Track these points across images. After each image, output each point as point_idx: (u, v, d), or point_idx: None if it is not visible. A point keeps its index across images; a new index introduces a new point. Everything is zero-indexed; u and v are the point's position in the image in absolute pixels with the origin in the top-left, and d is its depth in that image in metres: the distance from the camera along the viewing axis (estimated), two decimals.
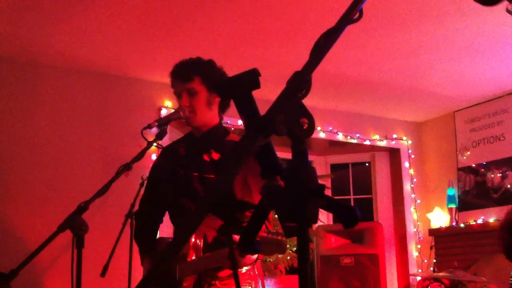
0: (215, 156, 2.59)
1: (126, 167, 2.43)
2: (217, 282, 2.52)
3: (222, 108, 2.77)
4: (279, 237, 2.16)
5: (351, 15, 1.01)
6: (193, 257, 2.48)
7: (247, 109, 0.99)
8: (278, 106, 0.92)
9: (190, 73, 2.65)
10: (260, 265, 2.69)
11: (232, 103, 2.61)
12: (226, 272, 2.48)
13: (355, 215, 0.96)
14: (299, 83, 0.94)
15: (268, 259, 5.13)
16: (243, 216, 2.45)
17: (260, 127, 0.92)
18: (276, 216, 0.94)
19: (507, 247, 1.35)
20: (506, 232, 1.36)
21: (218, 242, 2.43)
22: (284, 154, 1.99)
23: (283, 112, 0.91)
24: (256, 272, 2.63)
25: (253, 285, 2.58)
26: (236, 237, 2.17)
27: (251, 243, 1.04)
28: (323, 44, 0.99)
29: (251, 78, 1.00)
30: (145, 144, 2.49)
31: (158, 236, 2.93)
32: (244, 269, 2.56)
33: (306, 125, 0.92)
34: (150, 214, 2.88)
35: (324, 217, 6.42)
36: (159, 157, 2.93)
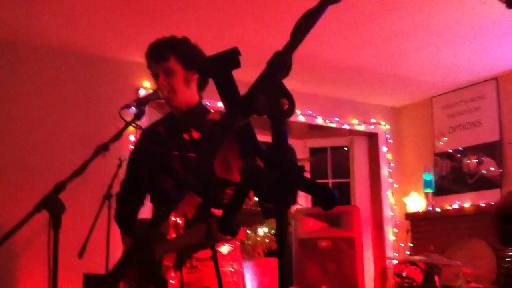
0: (196, 135, 2.57)
1: (104, 148, 2.40)
2: (198, 263, 2.51)
3: (201, 86, 2.74)
4: (259, 208, 2.15)
5: None
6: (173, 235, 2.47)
7: (227, 88, 0.98)
8: (258, 86, 0.92)
9: (165, 53, 2.61)
10: (239, 247, 2.69)
11: (211, 82, 2.60)
12: (207, 253, 2.47)
13: (333, 198, 0.96)
14: (280, 63, 0.93)
15: (246, 242, 5.15)
16: (224, 193, 2.45)
17: (240, 107, 0.91)
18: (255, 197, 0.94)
19: (499, 233, 1.37)
20: (498, 219, 1.37)
21: (198, 219, 2.41)
22: (264, 137, 1.98)
23: (263, 92, 0.91)
24: (238, 254, 2.63)
25: (235, 266, 2.58)
26: (216, 212, 2.17)
27: (231, 224, 1.04)
28: (304, 25, 0.98)
29: (232, 57, 1.00)
30: (123, 125, 2.47)
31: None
32: (225, 250, 2.56)
33: (287, 106, 0.92)
34: (130, 195, 2.85)
35: (303, 201, 6.45)
36: (139, 138, 2.89)
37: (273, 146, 0.90)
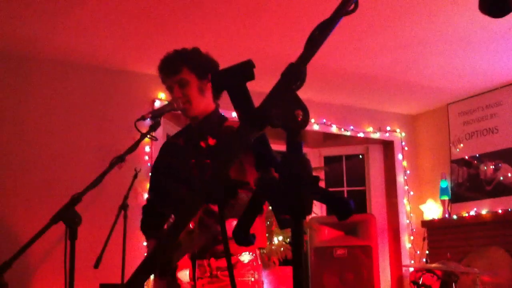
0: (211, 142, 2.59)
1: (120, 159, 2.43)
2: (218, 273, 2.51)
3: (216, 94, 2.77)
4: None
5: (346, 6, 1.01)
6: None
7: (242, 100, 0.98)
8: (272, 98, 0.92)
9: (177, 65, 2.64)
10: (259, 256, 2.68)
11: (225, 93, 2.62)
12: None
13: (349, 207, 0.96)
14: (294, 74, 0.94)
15: (262, 251, 5.14)
16: (236, 193, 2.43)
17: (254, 119, 0.91)
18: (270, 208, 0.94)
19: None
20: None
21: (206, 221, 2.39)
22: (278, 147, 1.99)
23: (277, 104, 0.91)
24: (259, 263, 2.63)
25: (255, 276, 2.58)
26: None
27: (246, 234, 1.04)
28: (318, 36, 0.99)
29: (246, 69, 1.00)
30: (139, 137, 2.49)
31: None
32: (246, 259, 2.56)
33: (301, 117, 0.92)
34: (153, 206, 2.87)
35: (318, 209, 6.43)
36: (159, 152, 2.93)
37: (287, 157, 0.90)
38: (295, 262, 0.91)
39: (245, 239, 1.05)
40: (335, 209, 0.97)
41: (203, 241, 2.40)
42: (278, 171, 0.92)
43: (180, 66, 2.64)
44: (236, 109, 0.98)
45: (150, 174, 2.98)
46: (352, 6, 1.02)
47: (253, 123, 0.91)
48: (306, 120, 0.92)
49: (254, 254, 2.60)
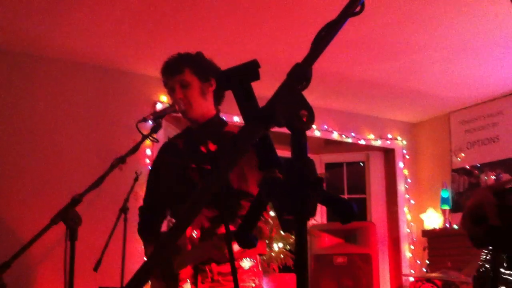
0: (212, 147, 2.59)
1: (121, 160, 2.42)
2: (220, 278, 2.51)
3: (217, 99, 2.78)
4: (259, 223, 2.16)
5: (352, 8, 1.00)
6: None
7: (246, 100, 0.98)
8: (278, 97, 0.92)
9: (180, 66, 2.67)
10: (260, 262, 2.68)
11: (227, 94, 2.62)
12: (229, 267, 2.47)
13: (352, 210, 0.96)
14: (300, 75, 0.93)
15: (262, 257, 5.12)
16: (239, 205, 2.45)
17: (259, 119, 0.91)
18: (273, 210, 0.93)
19: (471, 235, 1.35)
20: (468, 220, 1.35)
21: (212, 233, 2.41)
22: (280, 152, 1.98)
23: (283, 103, 0.90)
24: (260, 269, 2.63)
25: (256, 282, 2.58)
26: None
27: (248, 236, 1.03)
28: (324, 37, 0.98)
29: (251, 69, 1.00)
30: (140, 138, 2.48)
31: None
32: (247, 265, 2.56)
33: (306, 118, 0.91)
34: (152, 208, 2.86)
35: (318, 216, 6.42)
36: (158, 153, 2.92)
37: (292, 157, 0.90)
38: (298, 263, 0.90)
39: (247, 240, 1.04)
40: (338, 212, 0.96)
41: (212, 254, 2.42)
42: (282, 171, 0.91)
43: (183, 67, 2.66)
44: (241, 108, 0.98)
45: (148, 174, 2.96)
46: (359, 8, 1.02)
47: (258, 122, 0.90)
48: (311, 121, 0.91)
49: (255, 261, 2.61)
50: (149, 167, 5.00)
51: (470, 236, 1.36)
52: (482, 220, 1.30)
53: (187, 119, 2.73)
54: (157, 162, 2.90)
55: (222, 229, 2.41)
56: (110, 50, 4.99)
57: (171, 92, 2.71)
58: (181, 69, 2.65)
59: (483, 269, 1.42)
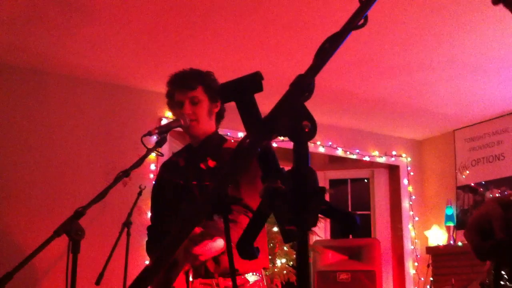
0: (211, 163, 2.60)
1: (125, 174, 2.42)
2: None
3: (218, 119, 2.81)
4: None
5: (356, 21, 1.01)
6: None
7: (249, 112, 0.98)
8: (280, 108, 0.92)
9: (194, 82, 2.68)
10: (264, 277, 2.68)
11: (231, 111, 2.63)
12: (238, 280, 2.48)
13: (354, 222, 0.95)
14: (302, 86, 0.93)
15: (265, 273, 5.09)
16: (229, 209, 2.43)
17: (261, 128, 0.91)
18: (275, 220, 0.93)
19: (475, 248, 1.33)
20: (472, 233, 1.34)
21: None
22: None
23: (285, 114, 0.91)
24: (265, 283, 2.62)
25: None
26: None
27: (250, 247, 1.03)
28: (328, 49, 0.99)
29: (254, 81, 1.00)
30: (145, 153, 2.49)
31: None
32: (252, 279, 2.55)
33: (308, 128, 0.91)
34: (159, 227, 2.86)
35: (322, 233, 6.39)
36: (159, 172, 2.93)
37: (293, 167, 0.90)
38: (300, 275, 0.90)
39: (249, 252, 1.04)
40: (340, 223, 0.95)
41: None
42: (285, 182, 0.91)
43: (197, 84, 2.68)
44: (244, 120, 0.98)
45: (151, 192, 2.96)
46: (362, 21, 1.03)
47: (260, 132, 0.91)
48: (313, 132, 0.91)
49: (260, 275, 2.61)
50: (153, 182, 5.03)
51: (474, 248, 1.35)
52: (488, 234, 1.30)
53: (189, 134, 2.74)
54: (159, 180, 2.90)
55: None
56: (116, 66, 5.02)
57: (177, 105, 2.72)
58: (194, 85, 2.68)
59: (486, 281, 1.41)
